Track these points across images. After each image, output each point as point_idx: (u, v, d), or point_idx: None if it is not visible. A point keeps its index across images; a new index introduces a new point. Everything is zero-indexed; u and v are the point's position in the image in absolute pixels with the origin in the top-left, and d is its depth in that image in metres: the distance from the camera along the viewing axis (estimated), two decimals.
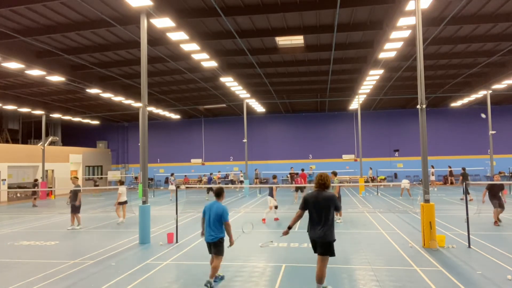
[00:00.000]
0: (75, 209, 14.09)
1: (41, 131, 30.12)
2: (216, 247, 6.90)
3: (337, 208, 6.37)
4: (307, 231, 6.37)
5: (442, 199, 21.13)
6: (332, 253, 6.22)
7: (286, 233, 6.60)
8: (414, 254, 9.16)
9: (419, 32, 10.63)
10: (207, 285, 6.75)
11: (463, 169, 20.62)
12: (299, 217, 6.48)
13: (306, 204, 6.32)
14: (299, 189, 22.10)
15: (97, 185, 33.49)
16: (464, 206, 10.12)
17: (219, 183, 25.94)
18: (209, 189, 25.11)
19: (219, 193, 7.27)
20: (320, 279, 6.27)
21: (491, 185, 12.74)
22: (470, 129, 33.68)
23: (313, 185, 6.60)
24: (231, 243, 7.02)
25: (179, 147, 38.76)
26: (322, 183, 6.32)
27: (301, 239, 11.07)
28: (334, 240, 6.22)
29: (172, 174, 23.10)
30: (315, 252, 6.34)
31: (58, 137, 37.43)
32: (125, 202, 15.30)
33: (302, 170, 26.14)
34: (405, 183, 22.15)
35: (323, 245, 6.15)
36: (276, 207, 14.68)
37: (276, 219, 14.70)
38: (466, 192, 12.20)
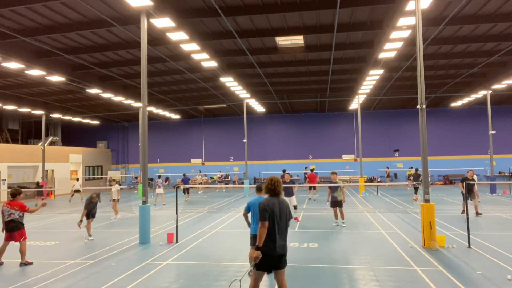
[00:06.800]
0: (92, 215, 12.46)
1: (41, 131, 30.11)
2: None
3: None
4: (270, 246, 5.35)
5: (442, 199, 21.14)
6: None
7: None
8: (414, 254, 9.16)
9: (419, 32, 10.63)
10: None
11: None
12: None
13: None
14: (312, 188, 22.19)
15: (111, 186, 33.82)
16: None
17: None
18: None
19: (260, 188, 7.41)
20: None
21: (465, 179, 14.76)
22: (470, 129, 33.67)
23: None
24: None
25: (179, 147, 38.76)
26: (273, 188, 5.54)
27: (301, 239, 11.09)
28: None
29: (159, 177, 22.87)
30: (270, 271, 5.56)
31: (58, 137, 37.43)
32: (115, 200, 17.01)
33: (312, 170, 24.32)
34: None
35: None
36: (295, 207, 14.34)
37: (296, 219, 14.09)
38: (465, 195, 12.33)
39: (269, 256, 5.35)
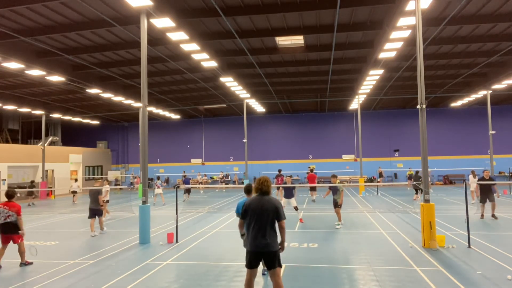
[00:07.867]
0: (99, 213, 12.82)
1: (41, 131, 30.11)
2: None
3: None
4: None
5: (442, 199, 21.14)
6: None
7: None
8: (414, 254, 9.16)
9: (419, 32, 10.63)
10: None
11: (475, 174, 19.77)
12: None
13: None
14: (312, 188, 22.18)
15: (118, 184, 34.02)
16: (464, 206, 10.12)
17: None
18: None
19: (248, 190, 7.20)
20: None
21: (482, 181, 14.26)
22: (470, 129, 33.68)
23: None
24: None
25: (179, 147, 38.77)
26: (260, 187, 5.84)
27: (301, 239, 11.09)
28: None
29: (158, 178, 22.81)
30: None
31: (58, 137, 37.43)
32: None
33: (311, 170, 24.00)
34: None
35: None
36: (296, 209, 14.14)
37: (301, 220, 14.26)
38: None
39: (250, 252, 5.70)
